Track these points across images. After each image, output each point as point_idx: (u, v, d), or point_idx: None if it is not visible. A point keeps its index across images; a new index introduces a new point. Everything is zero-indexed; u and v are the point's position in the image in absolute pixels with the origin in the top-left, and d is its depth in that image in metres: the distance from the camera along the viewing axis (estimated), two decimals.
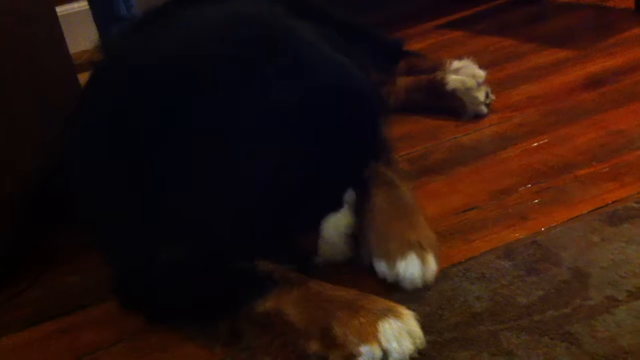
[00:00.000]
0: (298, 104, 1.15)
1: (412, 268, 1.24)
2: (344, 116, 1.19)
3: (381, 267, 1.27)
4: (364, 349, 1.09)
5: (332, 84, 1.19)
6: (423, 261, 1.25)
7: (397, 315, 1.11)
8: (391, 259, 1.26)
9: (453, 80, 1.91)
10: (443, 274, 1.30)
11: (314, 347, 1.13)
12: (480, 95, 1.88)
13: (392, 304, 1.14)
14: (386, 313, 1.11)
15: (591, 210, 1.40)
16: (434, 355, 1.13)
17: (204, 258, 1.23)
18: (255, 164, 1.14)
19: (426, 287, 1.25)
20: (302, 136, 1.15)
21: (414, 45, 2.36)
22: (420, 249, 1.26)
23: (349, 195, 1.28)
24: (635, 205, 1.39)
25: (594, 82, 1.93)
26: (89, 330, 1.35)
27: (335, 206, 1.26)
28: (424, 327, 1.15)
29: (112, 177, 1.29)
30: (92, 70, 1.43)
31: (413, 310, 1.17)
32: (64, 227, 1.65)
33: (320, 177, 1.19)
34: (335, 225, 1.26)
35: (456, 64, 1.97)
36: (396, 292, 1.25)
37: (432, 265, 1.25)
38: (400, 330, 1.09)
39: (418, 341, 1.10)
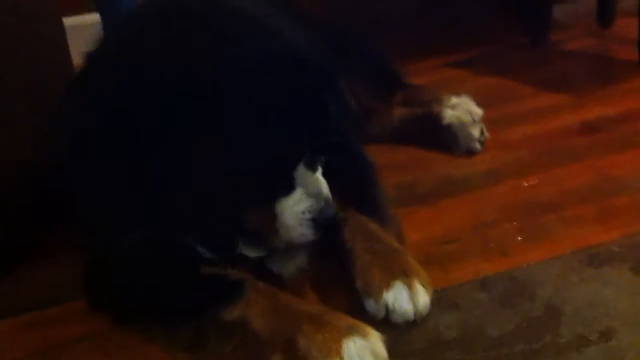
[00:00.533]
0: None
1: (400, 297, 1.23)
2: (275, 84, 1.18)
3: (369, 304, 1.25)
4: None
5: (262, 53, 1.20)
6: (410, 288, 1.23)
7: (362, 334, 1.10)
8: (376, 292, 1.24)
9: (449, 115, 1.91)
10: None
11: (277, 359, 1.12)
12: (475, 132, 1.88)
13: (358, 322, 1.13)
14: (351, 331, 1.10)
15: (573, 251, 1.39)
16: None
17: (173, 257, 1.23)
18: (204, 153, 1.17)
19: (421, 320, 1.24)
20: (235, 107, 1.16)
21: (415, 81, 2.35)
22: (404, 276, 1.25)
23: (305, 177, 1.27)
24: (617, 249, 1.38)
25: (589, 128, 1.93)
26: (57, 326, 1.34)
27: (286, 186, 1.25)
28: (390, 349, 1.15)
29: (111, 176, 1.29)
30: (86, 61, 1.42)
31: (381, 331, 1.16)
32: (62, 226, 1.63)
33: (260, 149, 1.19)
34: (291, 209, 1.25)
35: (454, 100, 1.97)
36: (363, 313, 1.24)
37: (421, 292, 1.24)
38: (364, 349, 1.08)
39: None
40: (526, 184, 1.68)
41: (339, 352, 1.07)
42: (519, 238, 1.46)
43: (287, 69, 1.20)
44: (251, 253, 1.34)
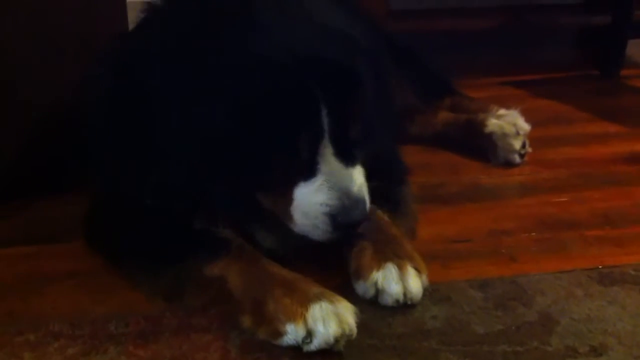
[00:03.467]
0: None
1: (389, 276, 1.18)
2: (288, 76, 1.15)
3: (359, 285, 1.21)
4: (289, 327, 1.05)
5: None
6: (401, 269, 1.19)
7: (330, 300, 1.07)
8: (367, 272, 1.20)
9: (493, 123, 1.87)
10: None
11: (247, 321, 1.11)
12: (516, 144, 1.82)
13: (330, 292, 1.10)
14: (320, 297, 1.07)
15: (585, 268, 1.32)
16: (367, 358, 1.07)
17: (168, 209, 1.22)
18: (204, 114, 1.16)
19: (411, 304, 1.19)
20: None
21: (472, 94, 2.30)
22: (397, 259, 1.21)
23: (330, 167, 1.20)
24: (632, 272, 1.31)
25: (635, 159, 1.85)
26: (50, 261, 1.36)
27: (305, 170, 1.19)
28: (368, 329, 1.12)
29: (128, 137, 1.30)
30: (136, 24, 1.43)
31: (365, 311, 1.13)
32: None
33: (273, 126, 1.15)
34: (307, 196, 1.19)
35: (501, 111, 1.92)
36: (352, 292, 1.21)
37: (412, 274, 1.20)
38: (329, 313, 1.05)
39: (346, 327, 1.05)
40: (555, 201, 1.61)
41: (303, 316, 1.04)
42: (533, 248, 1.40)
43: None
44: (266, 242, 1.29)
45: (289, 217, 1.22)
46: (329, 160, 1.20)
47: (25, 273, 1.32)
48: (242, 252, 1.18)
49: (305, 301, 1.06)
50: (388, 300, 1.18)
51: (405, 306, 1.19)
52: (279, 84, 1.14)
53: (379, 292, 1.19)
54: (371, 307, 1.19)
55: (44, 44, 1.61)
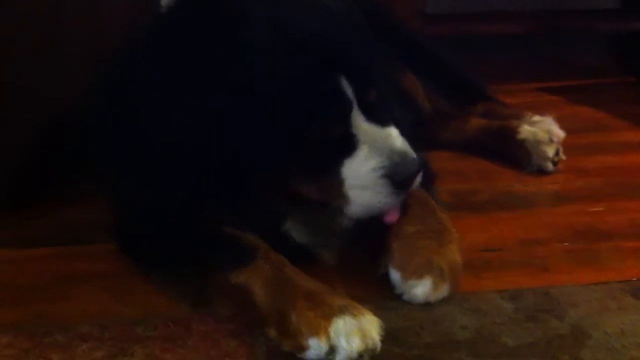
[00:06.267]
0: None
1: (421, 291, 1.19)
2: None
3: (395, 276, 1.21)
4: (312, 342, 1.04)
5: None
6: (436, 288, 1.20)
7: (354, 314, 1.05)
8: (407, 274, 1.20)
9: (526, 130, 1.84)
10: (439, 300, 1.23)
11: (272, 333, 1.10)
12: (550, 151, 1.79)
13: (354, 303, 1.09)
14: (344, 310, 1.06)
15: (620, 280, 1.29)
16: None
17: (191, 213, 1.22)
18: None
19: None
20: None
21: (507, 100, 2.27)
22: (439, 277, 1.20)
23: (370, 132, 1.19)
24: None
25: None
26: (81, 261, 1.37)
27: (346, 145, 1.18)
28: (397, 338, 1.11)
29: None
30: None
31: (393, 321, 1.13)
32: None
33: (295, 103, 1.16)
34: (358, 168, 1.18)
35: (535, 118, 1.90)
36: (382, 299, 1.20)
37: (444, 293, 1.21)
38: (352, 328, 1.03)
39: (370, 342, 1.03)
40: (589, 210, 1.58)
41: (326, 330, 1.03)
42: (566, 259, 1.38)
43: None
44: (301, 238, 1.29)
45: (343, 198, 1.20)
46: (364, 128, 1.20)
47: (53, 274, 1.33)
48: (268, 260, 1.16)
49: (329, 315, 1.05)
50: (406, 298, 1.21)
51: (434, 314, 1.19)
52: (297, 69, 1.15)
53: (404, 292, 1.20)
54: (400, 316, 1.18)
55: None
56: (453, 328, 1.15)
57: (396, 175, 1.17)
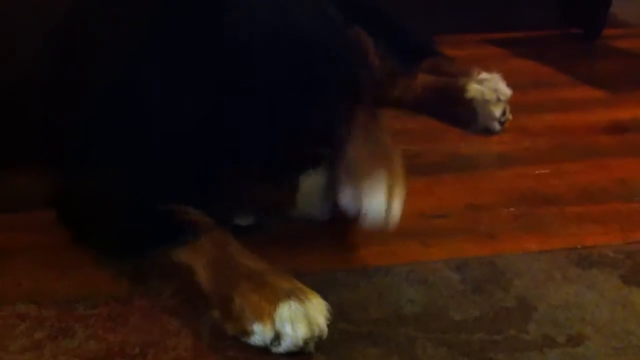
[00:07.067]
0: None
1: (377, 186, 1.16)
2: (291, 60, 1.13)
3: (345, 195, 1.17)
4: (256, 327, 1.01)
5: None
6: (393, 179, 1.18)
7: (300, 299, 1.01)
8: (357, 180, 1.17)
9: (474, 89, 1.82)
10: (386, 270, 1.22)
11: (216, 314, 1.07)
12: (497, 111, 1.79)
13: (301, 285, 1.05)
14: (290, 294, 1.02)
15: (564, 248, 1.30)
16: (341, 345, 1.05)
17: (137, 190, 1.18)
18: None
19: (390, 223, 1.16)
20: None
21: (449, 53, 2.25)
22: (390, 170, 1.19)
23: None
24: (611, 254, 1.29)
25: (618, 128, 1.82)
26: (17, 231, 1.32)
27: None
28: (344, 314, 1.09)
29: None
30: None
31: (339, 297, 1.11)
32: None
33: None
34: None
35: (483, 75, 1.88)
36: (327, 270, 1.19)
37: (400, 194, 1.18)
38: (298, 314, 1.00)
39: (316, 329, 1.00)
40: (535, 173, 1.58)
41: (271, 316, 0.99)
42: (512, 225, 1.38)
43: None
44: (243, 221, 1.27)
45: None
46: None
47: None
48: (211, 237, 1.13)
49: (274, 299, 1.01)
50: (370, 216, 1.16)
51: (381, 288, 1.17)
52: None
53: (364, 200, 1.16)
54: (347, 289, 1.16)
55: None
56: (401, 302, 1.15)
57: None
